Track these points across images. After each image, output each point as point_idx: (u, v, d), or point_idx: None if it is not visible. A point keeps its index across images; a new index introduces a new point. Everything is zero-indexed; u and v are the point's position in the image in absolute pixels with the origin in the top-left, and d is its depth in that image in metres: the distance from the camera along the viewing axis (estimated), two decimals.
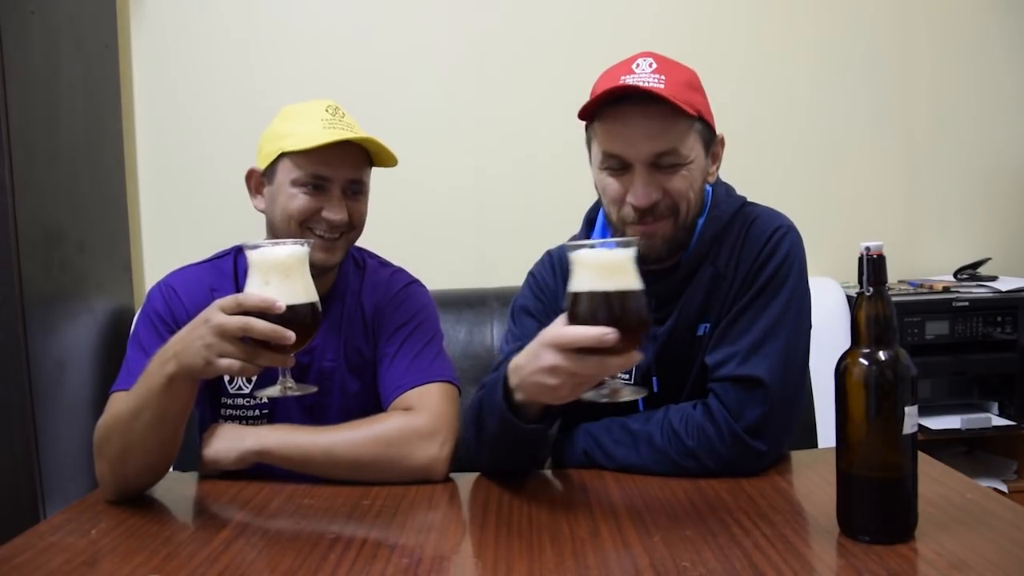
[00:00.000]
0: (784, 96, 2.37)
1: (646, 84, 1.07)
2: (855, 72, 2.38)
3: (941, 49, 2.41)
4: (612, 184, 1.12)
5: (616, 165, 1.11)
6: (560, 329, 0.90)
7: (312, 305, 0.96)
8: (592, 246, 0.89)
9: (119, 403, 1.07)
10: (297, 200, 1.17)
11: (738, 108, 2.32)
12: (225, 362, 0.92)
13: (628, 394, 0.92)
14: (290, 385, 0.97)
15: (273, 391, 0.97)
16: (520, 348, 1.16)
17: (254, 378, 1.21)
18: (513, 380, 1.00)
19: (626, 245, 0.89)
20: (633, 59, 1.12)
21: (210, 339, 0.92)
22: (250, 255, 0.95)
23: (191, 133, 2.26)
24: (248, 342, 0.92)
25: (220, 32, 2.26)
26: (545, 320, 1.24)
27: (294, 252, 0.95)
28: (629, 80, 1.08)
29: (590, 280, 0.88)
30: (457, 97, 2.30)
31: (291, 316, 0.92)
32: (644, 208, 1.10)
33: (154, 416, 1.01)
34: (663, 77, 1.08)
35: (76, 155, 1.96)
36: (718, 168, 1.19)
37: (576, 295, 0.89)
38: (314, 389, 1.03)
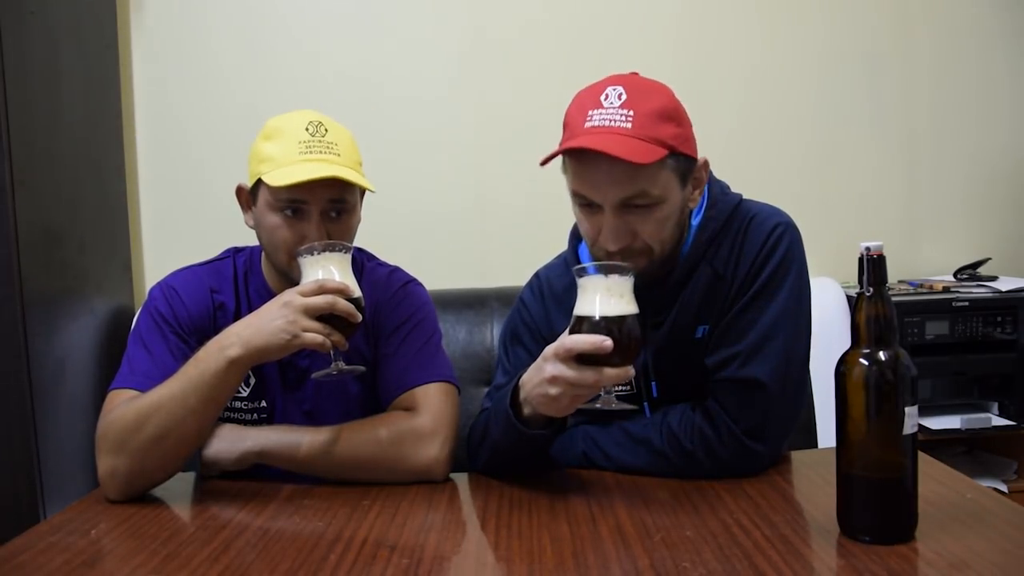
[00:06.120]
0: (784, 96, 2.37)
1: (612, 123, 1.02)
2: (855, 72, 2.38)
3: (941, 49, 2.40)
4: (584, 220, 1.10)
5: (586, 203, 1.08)
6: (561, 339, 0.96)
7: (360, 297, 1.09)
8: (595, 270, 0.97)
9: (156, 392, 1.08)
10: (280, 232, 1.16)
11: (738, 108, 2.31)
12: (309, 336, 1.03)
13: (618, 406, 0.97)
14: (342, 365, 1.09)
15: (328, 371, 1.09)
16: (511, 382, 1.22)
17: (252, 382, 1.23)
18: (521, 393, 1.05)
19: (626, 272, 0.96)
20: (603, 87, 1.06)
21: (293, 316, 1.03)
22: (320, 255, 1.08)
23: (191, 133, 2.26)
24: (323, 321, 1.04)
25: (220, 32, 2.25)
26: (534, 348, 1.25)
27: (348, 256, 1.12)
28: (596, 116, 1.04)
29: (592, 304, 0.95)
30: (458, 98, 2.30)
31: (353, 302, 1.07)
32: (615, 252, 1.07)
33: (201, 400, 1.06)
34: (631, 113, 1.02)
35: (76, 155, 1.96)
36: (702, 192, 1.15)
37: (580, 318, 0.96)
38: (363, 369, 1.13)
